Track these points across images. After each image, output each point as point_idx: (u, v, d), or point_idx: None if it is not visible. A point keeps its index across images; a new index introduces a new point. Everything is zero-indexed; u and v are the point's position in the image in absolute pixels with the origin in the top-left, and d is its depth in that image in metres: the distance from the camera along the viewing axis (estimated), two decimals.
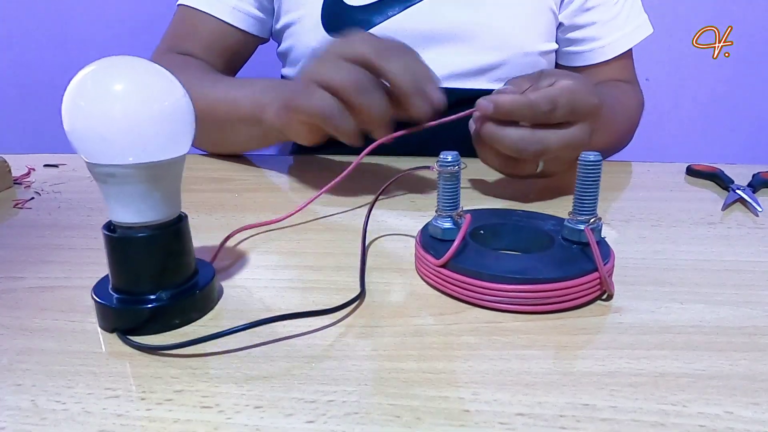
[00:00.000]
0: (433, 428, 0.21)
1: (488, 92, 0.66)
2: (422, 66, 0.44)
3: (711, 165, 0.57)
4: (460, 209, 0.34)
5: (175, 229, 0.28)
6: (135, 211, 0.27)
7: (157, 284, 0.28)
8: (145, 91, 0.25)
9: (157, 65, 0.27)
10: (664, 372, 0.24)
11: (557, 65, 0.76)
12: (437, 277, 0.32)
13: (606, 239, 0.33)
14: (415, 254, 0.35)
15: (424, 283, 0.33)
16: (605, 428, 0.21)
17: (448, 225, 0.33)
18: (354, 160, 0.44)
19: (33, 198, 0.50)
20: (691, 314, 0.30)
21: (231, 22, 0.68)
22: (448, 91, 0.67)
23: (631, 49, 0.72)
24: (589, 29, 0.70)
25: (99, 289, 0.29)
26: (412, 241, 0.36)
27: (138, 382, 0.24)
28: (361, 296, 0.31)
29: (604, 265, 0.30)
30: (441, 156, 0.33)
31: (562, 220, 0.34)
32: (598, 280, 0.30)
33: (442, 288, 0.32)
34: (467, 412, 0.22)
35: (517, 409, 0.22)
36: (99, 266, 0.35)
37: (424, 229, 0.36)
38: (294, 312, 0.28)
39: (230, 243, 0.38)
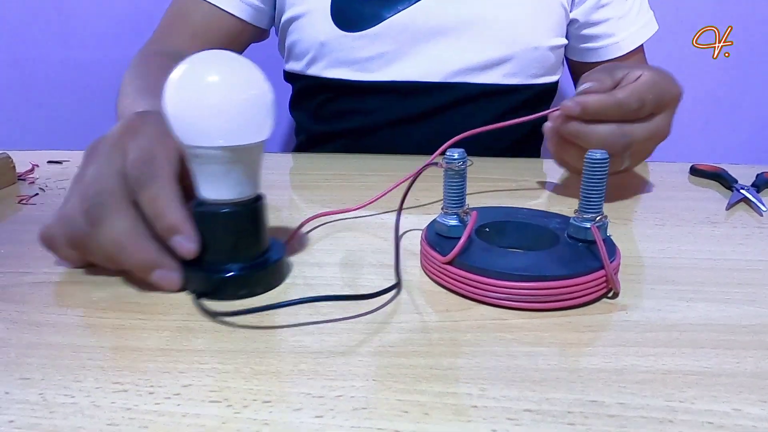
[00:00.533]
0: (441, 423, 0.21)
1: (497, 87, 0.68)
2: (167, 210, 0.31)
3: (714, 165, 0.57)
4: (466, 206, 0.34)
5: (253, 207, 0.31)
6: (219, 189, 0.30)
7: (231, 256, 0.31)
8: (234, 83, 0.28)
9: (244, 59, 0.30)
10: (671, 369, 0.24)
11: (569, 61, 0.77)
12: (443, 274, 0.32)
13: (612, 237, 0.33)
14: (421, 251, 0.35)
15: (429, 280, 0.33)
16: (613, 424, 0.21)
17: (454, 222, 0.33)
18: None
19: (37, 194, 0.50)
20: (698, 312, 0.30)
21: (225, 8, 0.67)
22: (457, 86, 0.68)
23: (642, 45, 0.73)
24: (604, 25, 0.71)
25: None
26: (417, 239, 0.36)
27: (146, 377, 0.24)
28: (398, 285, 0.31)
29: (611, 263, 0.30)
30: (447, 153, 0.33)
31: (568, 218, 0.34)
32: (605, 278, 0.30)
33: (448, 285, 0.32)
34: (475, 408, 0.22)
35: (524, 405, 0.22)
36: None
37: (430, 226, 0.36)
38: (335, 295, 0.30)
39: (305, 228, 0.41)
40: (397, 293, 0.31)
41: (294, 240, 0.39)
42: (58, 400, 0.22)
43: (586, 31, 0.71)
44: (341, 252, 0.37)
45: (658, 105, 0.44)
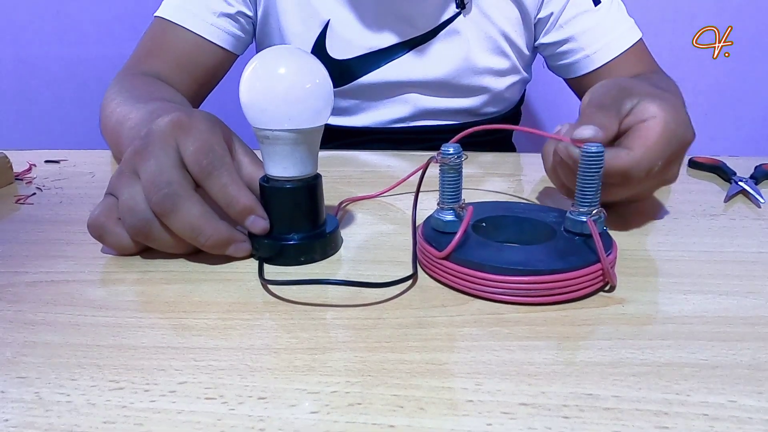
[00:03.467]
0: (437, 418, 0.21)
1: (460, 126, 0.75)
2: (238, 192, 0.34)
3: (713, 157, 0.57)
4: (462, 201, 0.34)
5: (313, 183, 0.35)
6: (284, 167, 0.34)
7: (293, 226, 0.35)
8: (298, 75, 0.33)
9: (308, 54, 0.34)
10: (667, 362, 0.24)
11: (553, 69, 0.77)
12: (440, 269, 0.32)
13: (608, 230, 0.33)
14: (418, 246, 0.35)
15: (426, 275, 0.33)
16: (608, 417, 0.21)
17: (450, 217, 0.33)
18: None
19: (34, 194, 0.50)
20: (694, 305, 0.29)
21: (207, 37, 0.68)
22: (424, 128, 0.75)
23: (642, 45, 0.72)
24: (571, 43, 0.72)
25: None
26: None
27: (142, 374, 0.24)
28: (414, 276, 0.32)
29: (607, 256, 0.30)
30: (443, 148, 0.33)
31: (564, 212, 0.34)
32: (601, 272, 0.30)
33: (445, 280, 0.32)
34: (470, 402, 0.22)
35: (519, 399, 0.22)
36: (100, 260, 0.36)
37: (426, 221, 0.36)
38: (348, 280, 0.31)
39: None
40: (413, 284, 0.32)
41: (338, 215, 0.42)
42: (54, 399, 0.22)
43: (559, 50, 0.74)
44: (367, 233, 0.40)
45: (669, 161, 0.39)
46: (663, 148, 0.37)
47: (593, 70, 0.71)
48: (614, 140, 0.39)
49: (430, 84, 0.73)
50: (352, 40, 0.71)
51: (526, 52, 0.75)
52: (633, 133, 0.38)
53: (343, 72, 0.72)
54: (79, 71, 1.11)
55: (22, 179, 0.54)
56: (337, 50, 0.71)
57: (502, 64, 0.74)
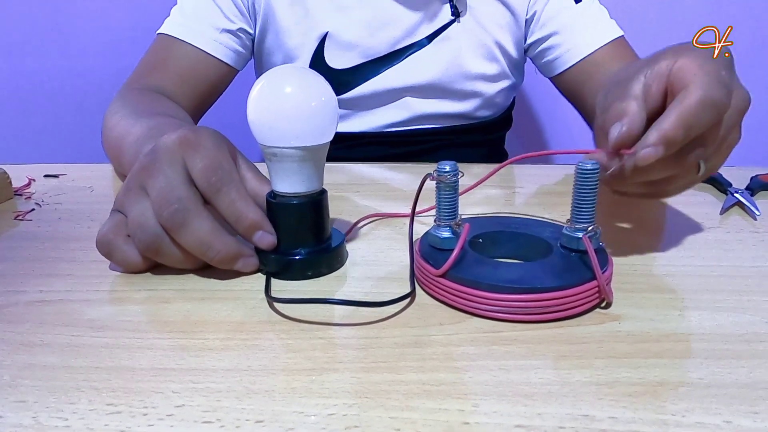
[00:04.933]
0: None
1: (455, 128, 0.77)
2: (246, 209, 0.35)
3: None
4: (459, 218, 0.34)
5: (318, 199, 0.36)
6: (291, 183, 0.35)
7: (299, 241, 0.36)
8: (304, 94, 0.33)
9: (313, 72, 0.35)
10: (663, 381, 0.24)
11: (541, 70, 0.79)
12: (436, 286, 0.32)
13: (604, 246, 0.34)
14: (415, 264, 0.35)
15: (423, 292, 0.33)
16: None
17: (447, 234, 0.33)
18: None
19: (33, 209, 0.50)
20: (690, 321, 0.30)
21: (211, 52, 0.69)
22: (419, 131, 0.77)
23: (624, 42, 0.72)
24: (551, 39, 0.74)
25: None
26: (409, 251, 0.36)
27: (140, 397, 0.24)
28: (411, 294, 0.33)
29: (603, 273, 0.30)
30: (438, 166, 0.33)
31: (561, 227, 0.34)
32: (597, 289, 0.30)
33: (442, 298, 0.32)
34: (467, 425, 0.22)
35: (516, 420, 0.22)
36: (100, 278, 0.36)
37: (423, 238, 0.36)
38: (348, 300, 0.32)
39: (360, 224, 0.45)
40: (410, 302, 0.32)
41: (350, 233, 0.43)
42: (52, 423, 0.22)
43: (540, 48, 0.75)
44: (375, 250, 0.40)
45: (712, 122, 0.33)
46: (690, 115, 0.31)
47: (573, 65, 0.72)
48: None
49: (425, 88, 0.74)
50: (350, 49, 0.72)
51: (516, 56, 0.77)
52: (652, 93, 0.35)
53: (342, 81, 0.74)
54: (78, 85, 1.11)
55: (21, 194, 0.54)
56: (336, 60, 0.73)
57: (493, 69, 0.76)
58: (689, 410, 0.23)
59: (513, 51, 0.76)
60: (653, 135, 0.32)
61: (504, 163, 0.43)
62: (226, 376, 0.25)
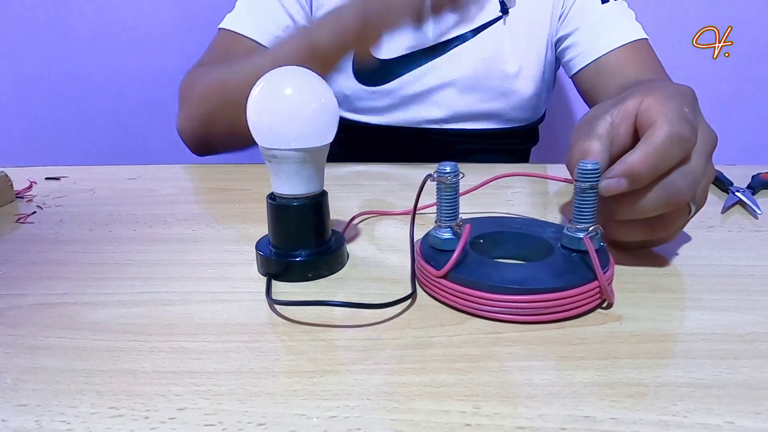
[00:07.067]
0: None
1: (488, 132, 0.77)
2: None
3: None
4: (459, 219, 0.34)
5: (318, 201, 0.36)
6: (291, 185, 0.35)
7: (299, 243, 0.36)
8: (304, 95, 0.33)
9: (313, 74, 0.35)
10: (664, 381, 0.24)
11: (564, 68, 0.78)
12: (437, 287, 0.32)
13: (605, 246, 0.34)
14: (416, 265, 0.35)
15: (424, 293, 0.33)
16: None
17: (447, 235, 0.33)
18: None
19: (35, 212, 0.50)
20: (691, 321, 0.30)
21: (264, 44, 0.69)
22: (451, 131, 0.77)
23: (646, 46, 0.71)
24: (573, 36, 0.74)
25: (260, 244, 0.37)
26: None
27: (142, 401, 0.24)
28: (413, 295, 0.32)
29: (604, 273, 0.30)
30: (439, 167, 0.33)
31: (561, 227, 0.34)
32: (598, 289, 0.30)
33: (443, 299, 0.32)
34: (469, 426, 0.22)
35: (518, 422, 0.22)
36: (102, 281, 0.36)
37: (424, 239, 0.36)
38: (349, 302, 0.31)
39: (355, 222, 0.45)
40: (411, 303, 0.32)
41: (346, 232, 0.43)
42: (55, 427, 0.22)
43: (563, 45, 0.75)
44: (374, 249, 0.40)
45: (680, 161, 0.33)
46: (661, 145, 0.31)
47: (587, 65, 0.72)
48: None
49: (463, 83, 0.74)
50: (397, 39, 0.72)
51: (550, 55, 0.77)
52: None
53: (385, 71, 0.74)
54: (80, 87, 1.12)
55: (22, 197, 0.54)
56: (382, 49, 0.73)
57: (531, 67, 0.75)
58: (691, 411, 0.23)
59: (550, 49, 0.76)
60: (618, 168, 0.32)
61: (496, 176, 0.42)
62: (228, 379, 0.25)
